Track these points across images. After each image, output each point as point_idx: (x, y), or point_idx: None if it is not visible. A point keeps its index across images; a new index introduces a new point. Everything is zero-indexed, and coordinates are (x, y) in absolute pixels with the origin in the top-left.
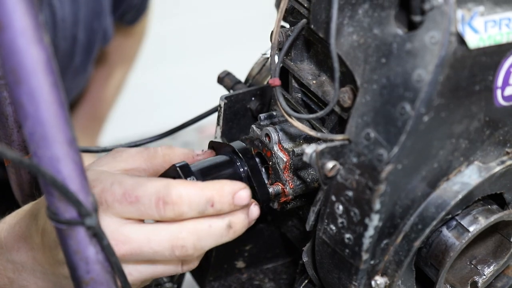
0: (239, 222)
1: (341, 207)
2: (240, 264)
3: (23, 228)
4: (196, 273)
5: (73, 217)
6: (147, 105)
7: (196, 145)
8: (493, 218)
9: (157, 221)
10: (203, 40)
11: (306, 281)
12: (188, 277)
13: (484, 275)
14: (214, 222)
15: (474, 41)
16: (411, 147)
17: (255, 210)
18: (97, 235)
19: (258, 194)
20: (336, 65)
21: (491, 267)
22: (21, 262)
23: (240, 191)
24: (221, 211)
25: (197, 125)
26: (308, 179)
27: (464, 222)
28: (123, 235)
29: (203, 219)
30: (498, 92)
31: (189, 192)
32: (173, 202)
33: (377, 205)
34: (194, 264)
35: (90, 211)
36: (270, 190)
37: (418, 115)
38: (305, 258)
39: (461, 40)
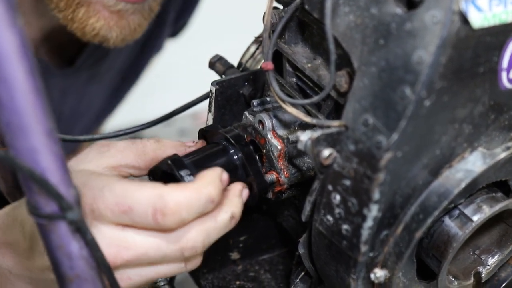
0: (239, 210)
1: (338, 197)
2: (235, 255)
3: (7, 233)
4: None
5: (54, 211)
6: (140, 91)
7: (191, 132)
8: (498, 207)
9: None
10: (196, 24)
11: (302, 273)
12: None
13: (488, 265)
14: (219, 216)
15: (478, 20)
16: (411, 133)
17: (245, 193)
18: (80, 229)
19: (256, 182)
20: (331, 47)
21: (495, 257)
22: (7, 267)
23: (222, 175)
24: (219, 203)
25: (192, 111)
26: (303, 167)
27: (468, 211)
28: (125, 241)
29: (207, 215)
30: (504, 74)
31: (187, 197)
32: (172, 212)
33: (376, 195)
34: (199, 261)
35: (72, 204)
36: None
37: (418, 99)
38: (301, 250)
39: (464, 20)
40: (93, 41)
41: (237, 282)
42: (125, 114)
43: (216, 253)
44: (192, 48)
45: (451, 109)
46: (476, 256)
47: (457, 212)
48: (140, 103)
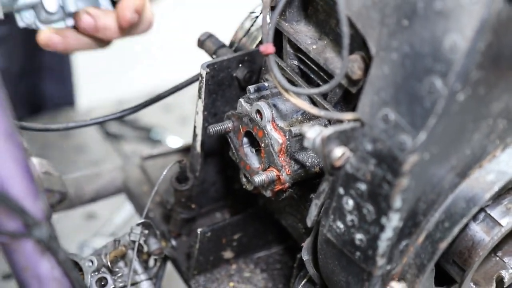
0: None
1: (351, 202)
2: (228, 254)
3: None
4: (181, 267)
5: (18, 229)
6: (126, 65)
7: (175, 107)
8: None
9: None
10: None
11: (305, 280)
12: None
13: None
14: None
15: None
16: (441, 133)
17: None
18: (51, 248)
19: None
20: (345, 29)
21: None
22: None
23: None
24: None
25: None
26: (307, 163)
27: (495, 213)
28: None
29: None
30: None
31: None
32: None
33: (397, 203)
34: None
35: (39, 220)
36: (263, 177)
37: (451, 93)
38: (305, 257)
39: None
40: None
41: (231, 284)
42: (107, 90)
43: (207, 253)
44: (180, 22)
45: (487, 102)
46: (498, 258)
47: (482, 214)
48: (126, 76)
